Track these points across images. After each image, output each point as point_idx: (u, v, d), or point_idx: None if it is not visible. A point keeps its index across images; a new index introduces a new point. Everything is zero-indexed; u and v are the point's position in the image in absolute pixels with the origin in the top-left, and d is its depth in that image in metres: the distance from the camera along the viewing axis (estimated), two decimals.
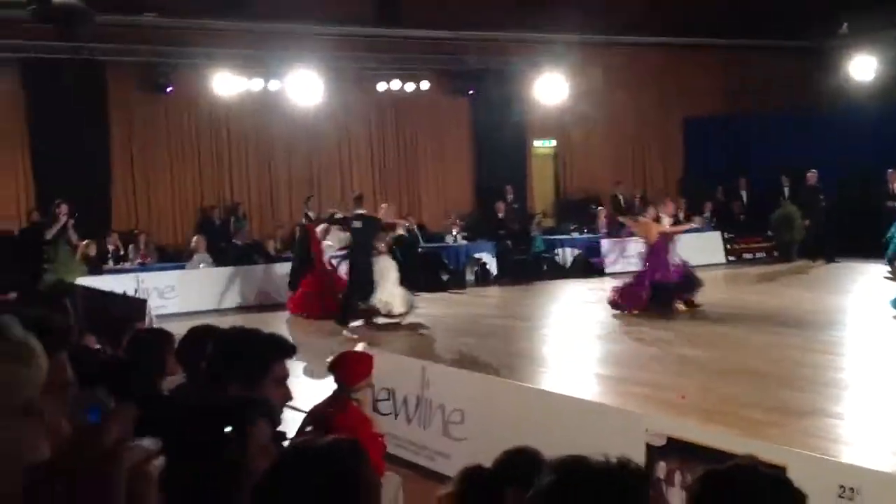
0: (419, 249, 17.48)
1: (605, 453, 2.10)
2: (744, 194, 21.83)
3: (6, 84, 16.24)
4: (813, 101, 23.21)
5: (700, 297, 13.59)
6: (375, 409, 5.17)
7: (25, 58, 16.06)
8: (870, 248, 17.98)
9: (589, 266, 18.53)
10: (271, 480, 2.13)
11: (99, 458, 1.04)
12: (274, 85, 17.78)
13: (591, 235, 19.36)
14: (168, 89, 17.18)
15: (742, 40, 22.36)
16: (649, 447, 5.20)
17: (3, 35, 15.73)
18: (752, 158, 21.83)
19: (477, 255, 17.94)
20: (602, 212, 20.04)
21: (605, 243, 18.90)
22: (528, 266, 18.11)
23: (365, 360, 4.86)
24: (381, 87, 19.13)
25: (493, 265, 17.95)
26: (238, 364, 3.10)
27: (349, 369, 4.71)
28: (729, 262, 20.04)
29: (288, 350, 3.28)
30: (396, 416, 6.90)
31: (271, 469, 2.16)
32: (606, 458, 2.05)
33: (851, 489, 4.12)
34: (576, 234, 19.43)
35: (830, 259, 18.89)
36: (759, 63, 22.85)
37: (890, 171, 18.57)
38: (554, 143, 22.43)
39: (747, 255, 20.61)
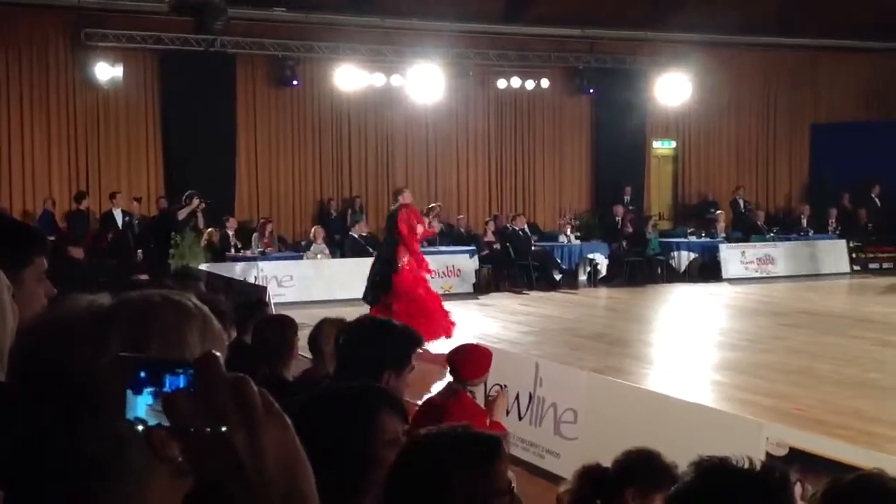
0: (532, 248, 17.48)
1: (748, 457, 2.08)
2: (876, 201, 21.05)
3: (142, 74, 16.94)
4: None
5: (822, 307, 13.20)
6: (489, 404, 5.18)
7: (161, 49, 16.71)
8: None
9: (706, 270, 18.18)
10: (399, 471, 2.16)
11: None
12: (396, 80, 18.03)
13: (708, 239, 18.98)
14: (294, 82, 17.61)
15: (880, 43, 21.57)
16: (769, 456, 5.10)
17: (141, 26, 16.41)
18: (883, 165, 21.03)
19: (590, 256, 17.80)
20: (721, 216, 19.62)
21: (724, 248, 18.50)
22: (643, 268, 17.88)
23: (483, 356, 4.88)
24: (502, 84, 19.17)
25: (605, 266, 17.79)
26: (372, 354, 3.18)
27: (469, 363, 4.75)
28: (854, 271, 19.33)
29: (419, 341, 3.37)
30: (508, 412, 6.92)
31: (398, 459, 2.19)
32: (751, 462, 2.03)
33: None
34: (693, 238, 19.08)
35: None
36: (892, 68, 22.02)
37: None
38: (674, 144, 22.09)
39: (873, 265, 19.85)
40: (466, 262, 16.34)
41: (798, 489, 4.91)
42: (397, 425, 2.35)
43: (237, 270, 14.15)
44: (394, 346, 3.19)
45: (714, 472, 1.98)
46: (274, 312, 7.57)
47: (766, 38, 21.07)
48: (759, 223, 19.93)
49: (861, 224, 20.61)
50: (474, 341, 5.72)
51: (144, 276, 9.62)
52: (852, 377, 9.35)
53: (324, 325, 4.40)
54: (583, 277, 17.67)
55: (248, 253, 15.62)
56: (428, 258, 16.46)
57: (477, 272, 16.48)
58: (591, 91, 20.33)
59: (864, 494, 2.30)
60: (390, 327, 3.32)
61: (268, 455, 0.93)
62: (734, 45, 21.06)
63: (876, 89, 22.39)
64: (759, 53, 21.44)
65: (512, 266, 17.19)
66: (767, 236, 19.53)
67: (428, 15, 17.98)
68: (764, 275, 18.35)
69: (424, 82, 17.97)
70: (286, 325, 4.63)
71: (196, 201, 14.65)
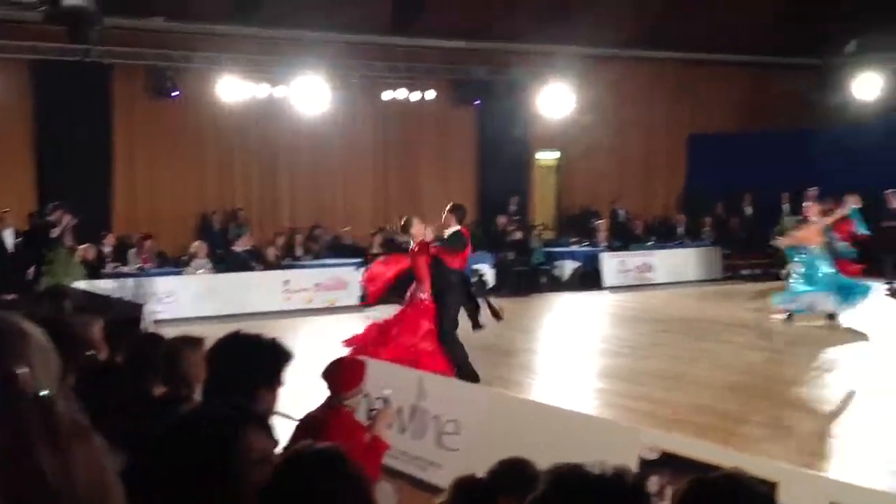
0: None
1: (601, 462, 2.13)
2: (748, 210, 21.87)
3: (14, 84, 16.32)
4: (817, 118, 23.29)
5: (697, 313, 13.66)
6: (370, 419, 5.18)
7: (34, 59, 16.14)
8: (867, 266, 18.01)
9: (587, 279, 18.60)
10: (271, 491, 2.14)
11: None
12: (280, 91, 17.85)
13: (590, 248, 19.43)
14: (173, 93, 17.24)
15: (751, 57, 22.46)
16: (642, 461, 5.23)
17: (14, 36, 15.83)
18: (756, 175, 21.87)
19: (476, 267, 17.95)
20: (602, 225, 20.10)
21: (604, 257, 18.99)
22: (527, 278, 18.14)
23: (357, 368, 4.88)
24: (388, 95, 19.19)
25: (491, 276, 17.98)
26: (242, 371, 3.13)
27: (341, 376, 4.75)
28: (727, 277, 20.08)
29: (290, 357, 3.32)
30: (391, 426, 6.91)
31: (271, 479, 2.17)
32: (602, 467, 2.08)
33: None
34: (575, 247, 19.47)
35: None
36: (766, 81, 22.94)
37: (888, 191, 18.58)
38: (558, 155, 22.50)
39: (745, 272, 20.64)
40: (352, 275, 16.28)
41: (669, 491, 5.06)
42: (265, 443, 2.33)
43: (113, 287, 13.74)
44: (265, 362, 3.16)
45: (566, 478, 2.02)
46: (151, 330, 7.39)
47: (645, 51, 21.70)
48: (637, 232, 20.51)
49: (734, 232, 21.41)
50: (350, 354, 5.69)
51: (12, 296, 9.26)
52: (723, 380, 9.68)
53: (180, 343, 4.32)
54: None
55: (126, 269, 15.20)
56: (312, 271, 16.44)
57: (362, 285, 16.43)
58: (477, 102, 20.54)
59: (721, 491, 2.39)
60: (260, 343, 3.28)
61: (77, 475, 0.91)
62: (615, 58, 21.61)
63: (750, 102, 23.26)
64: (638, 66, 22.05)
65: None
66: (646, 245, 20.15)
67: (312, 25, 17.86)
68: (643, 282, 18.92)
69: (309, 93, 17.85)
70: (157, 344, 4.53)
71: (67, 218, 14.19)
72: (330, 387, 4.71)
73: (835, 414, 8.29)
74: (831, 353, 11.53)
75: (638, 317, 14.73)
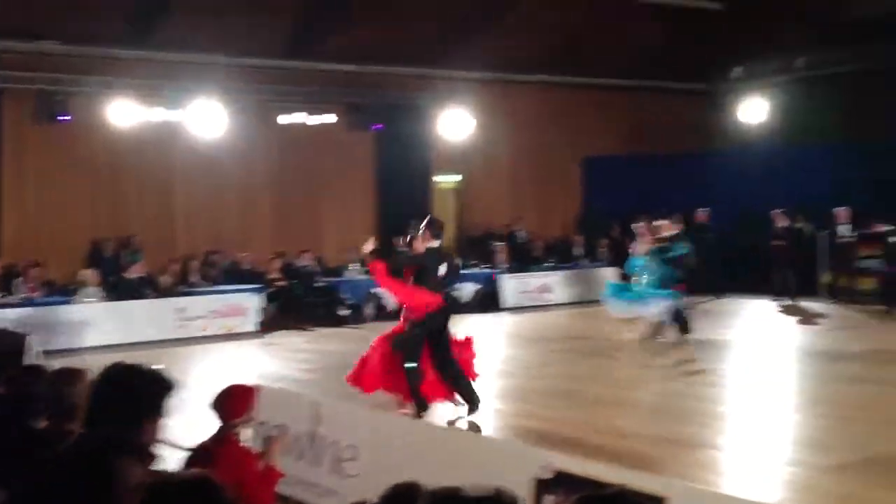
0: (318, 284, 17.45)
1: (478, 484, 2.15)
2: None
3: None
4: (707, 141, 24.07)
5: (594, 332, 13.93)
6: (265, 447, 5.11)
7: None
8: (756, 284, 18.72)
9: (487, 300, 18.76)
10: None
11: None
12: (175, 115, 17.55)
13: (489, 270, 19.62)
14: (64, 118, 16.77)
15: (641, 82, 23.10)
16: (538, 480, 5.27)
17: None
18: (648, 197, 22.42)
19: (376, 290, 17.92)
20: (501, 248, 20.31)
21: (503, 278, 19.21)
22: None
23: (244, 395, 4.81)
24: (285, 119, 19.04)
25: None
26: (123, 402, 3.06)
27: (228, 404, 4.68)
28: None
29: (171, 386, 3.26)
30: (286, 454, 6.82)
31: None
32: (480, 489, 2.11)
33: None
34: (475, 270, 19.63)
35: (718, 295, 19.48)
36: (657, 105, 23.58)
37: (774, 211, 19.29)
38: (457, 178, 22.69)
39: None
40: (250, 301, 16.08)
41: None
42: (141, 473, 2.32)
43: None
44: (146, 393, 3.09)
45: (443, 500, 2.04)
46: (37, 362, 7.16)
47: (540, 76, 22.12)
48: (536, 254, 20.80)
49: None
50: (243, 381, 5.60)
51: None
52: (617, 398, 9.86)
53: (63, 374, 4.20)
54: (370, 312, 17.75)
55: (11, 299, 14.68)
56: (208, 298, 16.13)
57: (262, 310, 16.26)
58: (375, 127, 20.57)
59: None
60: (141, 373, 3.21)
61: None
62: (511, 83, 21.97)
63: (642, 125, 23.84)
64: (533, 90, 22.44)
65: (298, 303, 17.05)
66: (544, 266, 20.45)
67: (208, 49, 17.66)
68: (542, 303, 19.18)
69: (204, 117, 17.60)
70: (39, 375, 4.39)
71: None
72: (218, 415, 4.63)
73: (722, 427, 8.51)
74: (721, 369, 11.86)
75: (535, 337, 14.91)
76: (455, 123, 20.53)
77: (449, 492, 2.08)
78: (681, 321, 13.71)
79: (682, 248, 14.18)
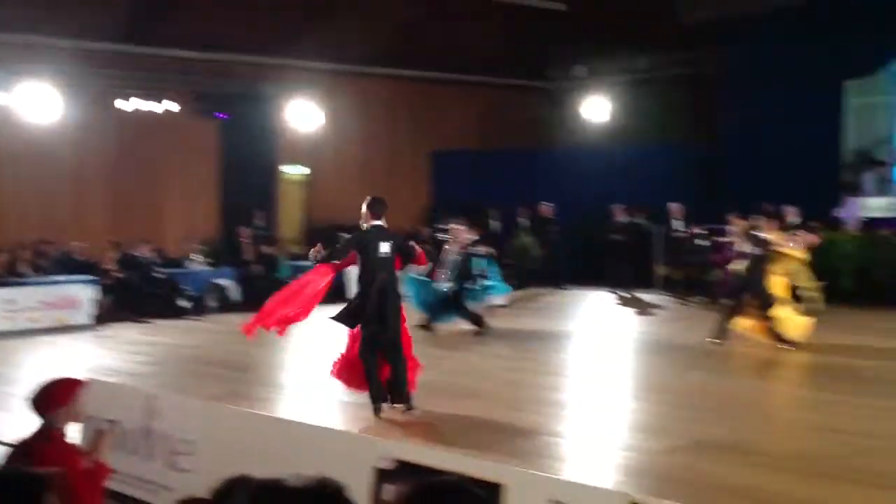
0: (157, 275, 16.89)
1: (299, 473, 2.09)
2: (495, 224, 22.67)
3: None
4: (551, 138, 24.62)
5: (443, 325, 14.05)
6: (94, 442, 4.86)
7: None
8: (596, 277, 19.29)
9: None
10: None
11: None
12: (4, 99, 16.60)
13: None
14: None
15: (487, 78, 23.38)
16: (378, 471, 5.23)
17: None
18: (496, 191, 22.76)
19: (219, 281, 17.50)
20: None
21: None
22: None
23: (64, 389, 4.54)
24: (124, 106, 18.30)
25: (235, 291, 17.58)
26: None
27: (47, 398, 4.42)
28: None
29: None
30: (119, 448, 6.54)
31: None
32: (302, 478, 2.04)
33: (562, 503, 4.32)
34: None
35: (560, 286, 19.97)
36: (504, 101, 23.95)
37: (614, 206, 19.91)
38: (305, 170, 22.40)
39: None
40: (84, 292, 15.39)
41: None
42: None
43: None
44: None
45: (264, 491, 1.98)
46: None
47: (388, 68, 22.08)
48: None
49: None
50: (68, 375, 5.31)
51: None
52: (459, 387, 9.94)
53: None
54: (212, 304, 17.31)
55: None
56: (38, 289, 15.35)
57: (97, 302, 15.59)
58: (220, 115, 20.06)
59: (436, 499, 2.41)
60: None
61: None
62: (359, 75, 21.83)
63: (488, 121, 24.17)
64: (381, 83, 22.39)
65: (135, 295, 16.45)
66: None
67: (41, 31, 16.78)
68: None
69: (37, 102, 16.70)
70: None
71: None
72: (37, 410, 4.37)
73: (561, 415, 8.69)
74: (560, 358, 12.14)
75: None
76: (302, 114, 20.25)
77: (271, 484, 2.01)
78: (473, 317, 13.94)
79: (482, 252, 14.52)
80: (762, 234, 12.33)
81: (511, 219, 22.12)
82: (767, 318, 12.09)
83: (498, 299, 15.22)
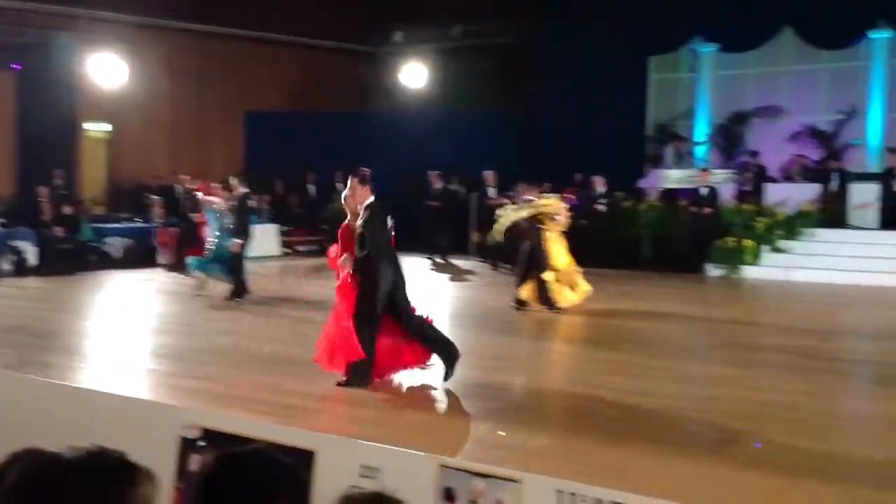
0: None
1: (75, 446, 1.98)
2: (311, 188, 22.44)
3: None
4: (369, 102, 24.51)
5: (259, 288, 13.77)
6: None
7: None
8: (412, 242, 19.31)
9: (141, 256, 17.92)
10: None
11: None
12: None
13: (143, 224, 18.72)
14: None
15: (306, 39, 22.98)
16: (183, 440, 5.05)
17: None
18: (313, 154, 22.49)
19: (14, 243, 16.49)
20: (157, 201, 19.44)
21: (161, 233, 18.40)
22: (74, 256, 17.01)
23: None
24: None
25: (32, 254, 16.61)
26: None
27: None
28: (285, 253, 20.47)
29: None
30: None
31: None
32: (80, 450, 1.95)
33: (373, 468, 4.29)
34: (127, 223, 18.65)
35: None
36: (321, 63, 23.62)
37: (430, 172, 20.06)
38: (109, 127, 21.36)
39: (302, 248, 21.20)
40: None
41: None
42: None
43: None
44: None
45: (31, 466, 1.86)
46: None
47: (200, 25, 21.31)
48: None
49: (293, 210, 21.86)
50: None
51: None
52: (276, 354, 9.77)
53: None
54: (7, 267, 16.32)
55: None
56: None
57: None
58: (15, 66, 18.81)
59: (239, 467, 2.31)
60: None
61: None
62: (167, 29, 20.96)
63: (307, 82, 23.80)
64: (191, 39, 21.60)
65: None
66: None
67: None
68: None
69: None
70: None
71: None
72: None
73: (379, 382, 8.69)
74: None
75: (192, 294, 14.40)
76: (105, 69, 19.26)
77: (44, 456, 1.87)
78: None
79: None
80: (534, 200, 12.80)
81: (330, 182, 21.94)
82: (540, 283, 12.49)
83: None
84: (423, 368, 8.31)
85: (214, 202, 13.85)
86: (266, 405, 7.44)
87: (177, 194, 20.18)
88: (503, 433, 4.06)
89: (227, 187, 14.08)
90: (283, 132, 23.03)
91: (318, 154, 22.29)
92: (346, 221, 8.53)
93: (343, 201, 8.61)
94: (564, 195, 14.04)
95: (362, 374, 8.01)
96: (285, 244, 20.85)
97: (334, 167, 21.90)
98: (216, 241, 13.68)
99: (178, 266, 16.42)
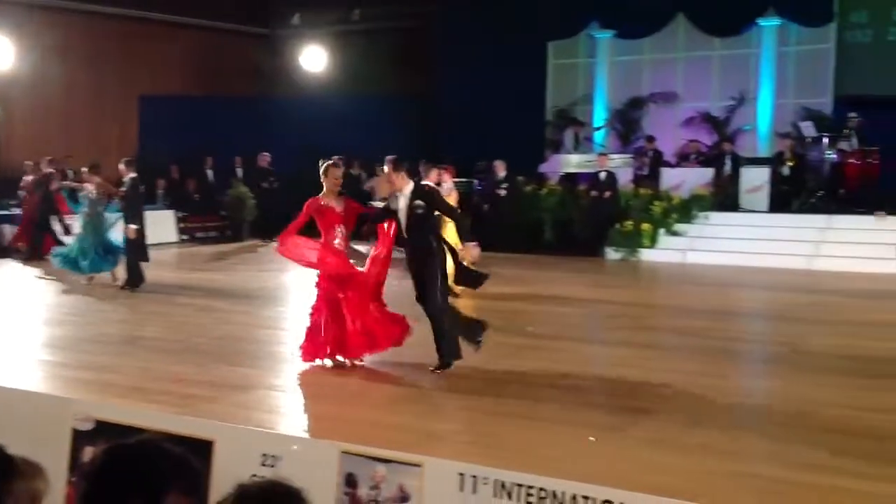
0: None
1: None
2: (210, 173, 22.03)
3: None
4: (269, 86, 24.15)
5: (153, 277, 13.44)
6: None
7: None
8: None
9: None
10: None
11: None
12: None
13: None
14: None
15: (200, 21, 22.50)
16: (76, 432, 4.89)
17: None
18: (210, 139, 22.06)
19: None
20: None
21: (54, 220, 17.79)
22: None
23: None
24: None
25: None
26: None
27: None
28: (182, 240, 20.05)
29: None
30: None
31: None
32: None
33: (273, 456, 4.23)
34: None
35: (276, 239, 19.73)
36: (219, 46, 23.17)
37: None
38: None
39: (200, 234, 20.81)
40: None
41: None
42: None
43: None
44: None
45: None
46: None
47: (93, 5, 20.68)
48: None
49: (189, 195, 21.42)
50: None
51: None
52: (175, 343, 9.56)
53: None
54: None
55: None
56: None
57: None
58: None
59: (127, 459, 2.26)
60: None
61: None
62: (58, 10, 20.28)
63: (204, 65, 23.31)
64: (84, 20, 20.94)
65: None
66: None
67: None
68: None
69: None
70: None
71: None
72: None
73: (279, 368, 8.59)
74: (276, 310, 12.00)
75: (93, 282, 13.99)
76: None
77: None
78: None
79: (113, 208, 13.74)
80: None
81: (229, 168, 21.58)
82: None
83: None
84: (397, 346, 8.29)
85: (86, 188, 13.52)
86: (164, 395, 7.28)
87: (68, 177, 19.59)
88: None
89: (96, 171, 13.73)
90: (179, 116, 22.50)
91: (217, 139, 21.87)
92: (386, 203, 8.67)
93: (373, 187, 8.86)
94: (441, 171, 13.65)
95: (455, 350, 8.12)
96: (182, 230, 20.41)
97: (234, 153, 21.54)
98: (83, 229, 13.36)
99: (33, 256, 16.12)
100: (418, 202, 8.16)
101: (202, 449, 4.24)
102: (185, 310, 11.87)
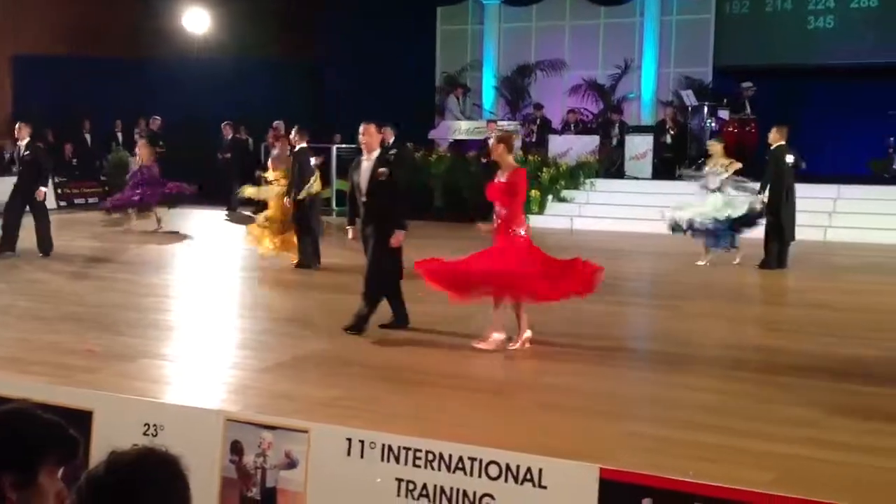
0: None
1: None
2: (88, 137, 21.32)
3: None
4: (151, 48, 23.38)
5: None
6: None
7: None
8: (207, 195, 18.57)
9: None
10: None
11: None
12: None
13: None
14: None
15: None
16: None
17: None
18: (90, 102, 21.30)
19: None
20: None
21: None
22: None
23: None
24: None
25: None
26: None
27: None
28: (61, 207, 19.32)
29: None
30: None
31: None
32: None
33: (156, 426, 4.15)
34: None
35: (171, 206, 19.17)
36: (97, 4, 22.32)
37: (224, 123, 19.34)
38: None
39: (79, 200, 20.14)
40: None
41: None
42: None
43: None
44: None
45: None
46: None
47: None
48: None
49: (67, 160, 20.68)
50: None
51: None
52: (51, 312, 9.25)
53: None
54: None
55: None
56: None
57: None
58: None
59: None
60: None
61: None
62: None
63: (79, 25, 22.42)
64: None
65: None
66: None
67: None
68: None
69: None
70: None
71: None
72: None
73: (164, 336, 8.40)
74: (165, 279, 11.72)
75: None
76: None
77: None
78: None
79: None
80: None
81: (108, 131, 20.92)
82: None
83: None
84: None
85: None
86: (42, 366, 7.06)
87: None
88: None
89: None
90: (55, 78, 21.59)
91: (96, 102, 21.11)
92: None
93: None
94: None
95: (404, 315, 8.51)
96: (60, 196, 19.67)
97: (114, 116, 20.87)
98: None
99: None
100: (383, 169, 8.20)
101: (81, 419, 4.13)
102: (58, 277, 11.48)
